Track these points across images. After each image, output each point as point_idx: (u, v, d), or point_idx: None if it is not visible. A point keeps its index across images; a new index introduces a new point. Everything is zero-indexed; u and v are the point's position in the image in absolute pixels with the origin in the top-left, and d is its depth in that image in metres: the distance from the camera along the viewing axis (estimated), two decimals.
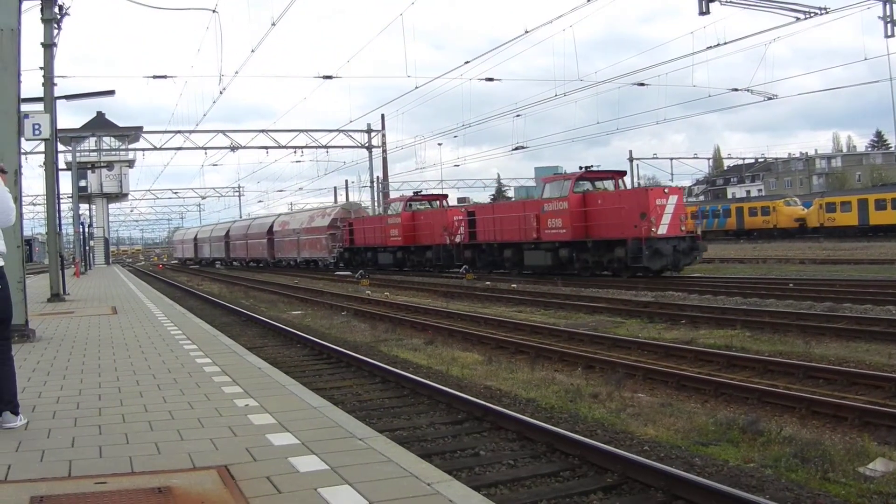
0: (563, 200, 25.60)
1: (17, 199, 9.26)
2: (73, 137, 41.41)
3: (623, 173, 28.36)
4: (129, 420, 5.05)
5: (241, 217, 79.75)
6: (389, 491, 3.51)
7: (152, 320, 12.25)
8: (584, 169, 26.21)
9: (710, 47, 23.22)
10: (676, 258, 23.15)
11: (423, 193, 39.43)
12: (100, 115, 48.81)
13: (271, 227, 52.51)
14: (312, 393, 6.10)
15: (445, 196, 39.05)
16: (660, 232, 23.11)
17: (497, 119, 55.26)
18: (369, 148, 50.50)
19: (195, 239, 72.55)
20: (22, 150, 11.10)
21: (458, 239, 31.76)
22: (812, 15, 19.94)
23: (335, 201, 69.14)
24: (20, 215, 9.87)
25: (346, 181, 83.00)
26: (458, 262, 31.38)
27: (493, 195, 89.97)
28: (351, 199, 67.49)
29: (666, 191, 24.48)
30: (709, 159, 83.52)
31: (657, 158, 62.35)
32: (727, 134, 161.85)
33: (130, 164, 50.55)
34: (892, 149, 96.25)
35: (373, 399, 8.05)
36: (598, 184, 26.57)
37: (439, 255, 32.62)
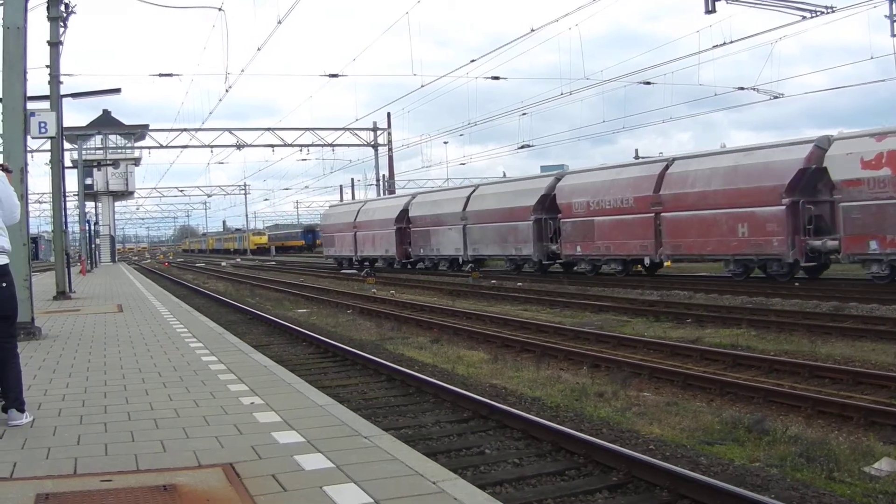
0: None
1: (23, 196, 9.28)
2: (79, 135, 41.61)
3: None
4: (135, 418, 5.06)
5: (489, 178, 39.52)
6: (395, 489, 3.50)
7: (158, 318, 12.27)
8: None
9: (717, 46, 23.03)
10: None
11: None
12: (106, 113, 48.87)
13: (658, 181, 22.52)
14: (318, 391, 6.10)
15: None
16: None
17: (503, 117, 54.76)
18: (375, 146, 50.59)
19: (404, 219, 35.83)
20: (28, 148, 11.14)
21: None
22: (818, 13, 19.88)
23: (341, 199, 65.67)
24: (26, 213, 9.92)
25: (353, 179, 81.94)
26: None
27: None
28: (359, 197, 62.84)
29: None
30: None
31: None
32: (734, 132, 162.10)
33: (136, 161, 50.67)
34: None
35: (378, 397, 8.05)
36: None
37: None
